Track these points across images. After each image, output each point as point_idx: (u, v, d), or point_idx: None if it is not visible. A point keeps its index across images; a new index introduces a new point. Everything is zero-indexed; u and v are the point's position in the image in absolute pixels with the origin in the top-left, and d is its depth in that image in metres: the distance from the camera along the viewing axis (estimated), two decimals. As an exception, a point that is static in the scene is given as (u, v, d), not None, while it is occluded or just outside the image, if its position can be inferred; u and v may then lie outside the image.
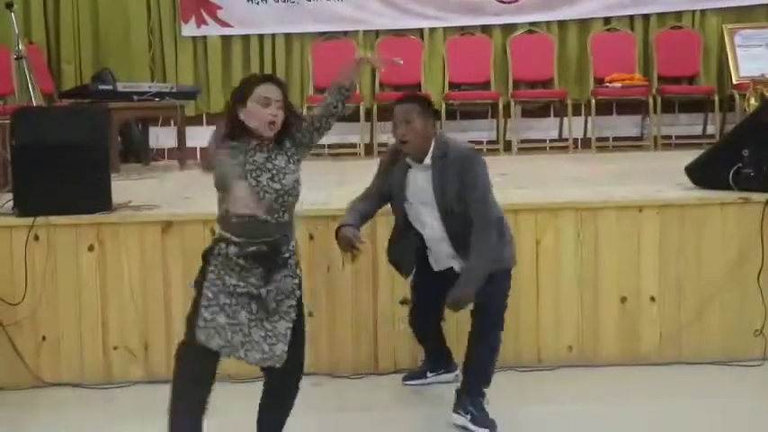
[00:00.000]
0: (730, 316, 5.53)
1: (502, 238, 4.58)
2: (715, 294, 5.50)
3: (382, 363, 5.48)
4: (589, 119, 9.07)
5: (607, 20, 9.41)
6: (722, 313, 5.52)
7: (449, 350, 5.16)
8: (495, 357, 4.65)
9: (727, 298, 5.52)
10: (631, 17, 9.41)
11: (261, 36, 9.31)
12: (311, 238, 5.43)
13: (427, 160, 4.54)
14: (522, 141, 9.02)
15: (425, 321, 5.01)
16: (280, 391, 4.11)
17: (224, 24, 9.29)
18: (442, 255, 4.67)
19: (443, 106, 9.02)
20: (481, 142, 9.23)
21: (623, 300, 5.48)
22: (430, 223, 4.61)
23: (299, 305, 4.00)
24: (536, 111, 9.38)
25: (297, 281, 3.96)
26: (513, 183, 6.61)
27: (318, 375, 5.39)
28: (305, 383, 5.31)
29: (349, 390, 5.26)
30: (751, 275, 5.47)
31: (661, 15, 9.40)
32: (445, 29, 9.41)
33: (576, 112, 9.09)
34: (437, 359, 5.18)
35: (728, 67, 9.14)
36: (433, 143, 4.54)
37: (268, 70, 9.25)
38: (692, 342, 5.52)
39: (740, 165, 5.63)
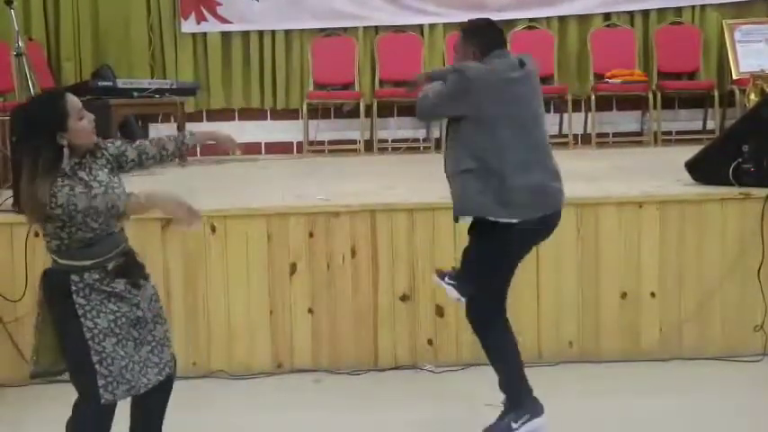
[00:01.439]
0: (730, 312, 5.53)
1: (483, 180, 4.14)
2: (715, 290, 5.51)
3: (382, 359, 5.48)
4: (589, 115, 9.06)
5: (607, 15, 9.40)
6: (722, 309, 5.53)
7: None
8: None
9: (728, 294, 5.53)
10: (631, 13, 9.39)
11: (261, 32, 9.30)
12: (311, 235, 5.44)
13: None
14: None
15: None
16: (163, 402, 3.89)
17: (224, 21, 9.27)
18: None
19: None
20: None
21: (623, 295, 5.48)
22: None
23: None
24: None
25: (151, 282, 3.80)
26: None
27: (318, 372, 5.41)
28: (306, 379, 5.38)
29: (349, 386, 5.27)
30: (751, 271, 5.48)
31: (661, 11, 9.38)
32: (445, 25, 9.38)
33: (576, 108, 9.08)
34: None
35: (728, 62, 9.12)
36: None
37: (268, 67, 9.25)
38: (692, 338, 5.53)
39: (740, 160, 5.63)
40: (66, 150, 3.51)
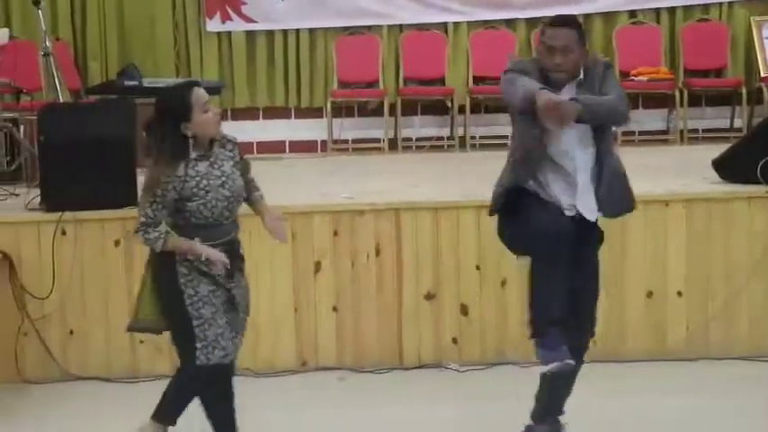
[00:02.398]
0: (758, 311, 5.50)
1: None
2: (742, 289, 5.47)
3: (407, 357, 5.48)
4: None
5: (632, 13, 9.35)
6: (750, 308, 5.50)
7: None
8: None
9: (755, 292, 5.49)
10: (657, 10, 9.34)
11: (285, 31, 9.31)
12: (335, 233, 5.44)
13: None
14: (547, 135, 8.96)
15: None
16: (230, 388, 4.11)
17: (248, 20, 9.29)
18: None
19: (468, 100, 9.00)
20: (506, 136, 9.14)
21: (649, 294, 5.46)
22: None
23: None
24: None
25: (244, 276, 4.03)
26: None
27: (342, 370, 5.41)
28: (330, 377, 5.38)
29: (373, 384, 5.27)
30: (778, 269, 5.45)
31: (687, 8, 9.32)
32: (469, 23, 9.37)
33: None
34: None
35: (756, 59, 9.05)
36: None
37: (292, 65, 9.26)
38: (719, 337, 5.49)
39: (768, 158, 5.60)
40: (190, 140, 3.78)
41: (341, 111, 9.13)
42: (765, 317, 5.49)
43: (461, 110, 9.03)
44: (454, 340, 5.47)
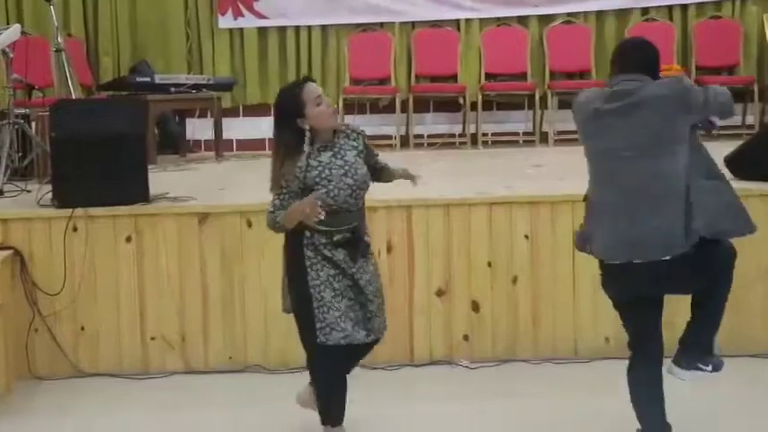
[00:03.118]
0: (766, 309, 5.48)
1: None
2: (755, 286, 5.45)
3: (418, 354, 5.48)
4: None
5: (645, 10, 9.32)
6: (763, 305, 5.47)
7: None
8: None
9: (764, 291, 5.47)
10: (670, 7, 9.31)
11: (297, 28, 9.31)
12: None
13: None
14: (559, 133, 8.94)
15: None
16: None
17: (260, 16, 9.30)
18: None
19: (480, 97, 8.99)
20: (517, 133, 9.19)
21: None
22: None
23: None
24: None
25: (374, 262, 4.23)
26: (550, 174, 6.59)
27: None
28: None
29: (385, 380, 5.26)
30: (791, 268, 5.43)
31: (700, 5, 9.29)
32: (481, 20, 9.36)
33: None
34: None
35: (768, 57, 9.05)
36: None
37: (304, 62, 9.27)
38: (729, 334, 5.46)
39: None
40: (308, 133, 4.00)
41: (353, 107, 9.13)
42: (777, 315, 5.48)
43: (473, 107, 9.02)
44: (465, 337, 5.47)
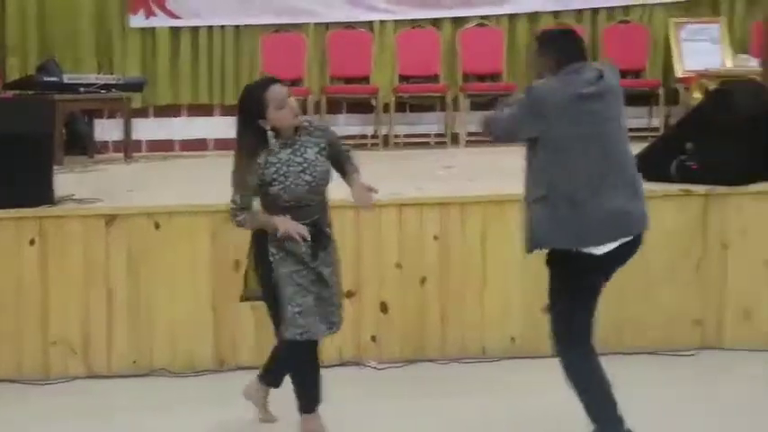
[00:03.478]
0: (671, 306, 5.59)
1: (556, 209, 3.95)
2: (657, 285, 5.56)
3: (327, 355, 5.47)
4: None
5: (556, 14, 9.45)
6: (663, 303, 5.58)
7: None
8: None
9: (669, 288, 5.58)
10: (580, 11, 9.45)
11: (210, 28, 9.24)
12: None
13: None
14: (470, 134, 9.02)
15: None
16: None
17: (173, 16, 9.20)
18: None
19: (393, 99, 9.02)
20: (429, 135, 9.25)
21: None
22: None
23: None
24: (485, 104, 9.38)
25: (335, 254, 4.31)
26: (461, 176, 6.64)
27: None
28: (249, 376, 5.33)
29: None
30: (691, 266, 5.54)
31: (609, 9, 9.46)
32: (396, 21, 9.40)
33: (525, 106, 9.11)
34: None
35: (673, 61, 9.21)
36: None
37: (217, 63, 9.21)
38: (632, 332, 5.57)
39: (683, 157, 5.70)
40: (270, 134, 4.07)
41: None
42: (677, 313, 5.59)
43: (386, 108, 9.06)
44: (373, 338, 5.48)
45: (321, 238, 4.19)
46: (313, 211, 4.17)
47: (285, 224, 4.06)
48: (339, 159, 4.29)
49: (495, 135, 4.23)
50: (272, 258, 4.14)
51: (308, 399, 4.39)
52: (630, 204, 3.99)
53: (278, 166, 4.09)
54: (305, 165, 4.13)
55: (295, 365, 4.36)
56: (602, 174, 3.93)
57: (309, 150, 4.16)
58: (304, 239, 4.05)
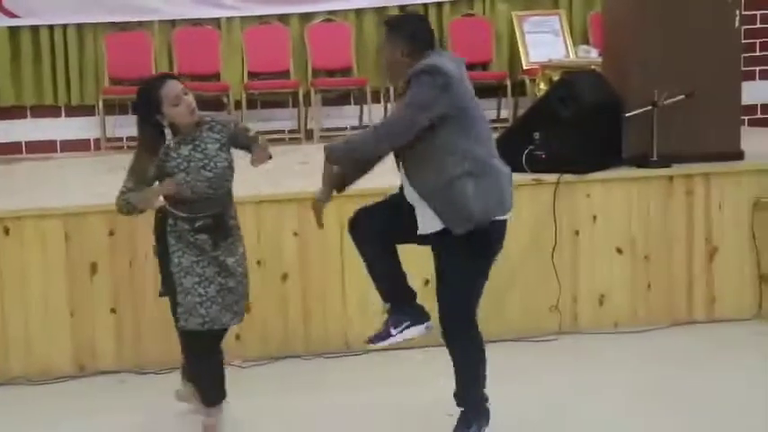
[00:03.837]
0: (528, 293, 5.74)
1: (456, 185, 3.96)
2: (513, 273, 5.69)
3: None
4: (389, 105, 9.19)
5: (402, 8, 9.53)
6: (520, 291, 5.73)
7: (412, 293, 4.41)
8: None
9: (525, 276, 5.73)
10: (425, 5, 9.56)
11: (51, 27, 8.98)
12: (111, 233, 5.32)
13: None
14: (324, 130, 9.05)
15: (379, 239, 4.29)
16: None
17: (10, 15, 8.90)
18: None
19: (244, 96, 8.97)
20: (283, 131, 9.23)
21: (426, 282, 5.56)
22: None
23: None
24: (336, 99, 9.44)
25: (242, 244, 4.37)
26: (316, 171, 6.63)
27: (122, 372, 5.30)
28: (111, 381, 5.26)
29: (155, 385, 5.18)
30: (545, 254, 5.70)
31: (454, 3, 9.60)
32: (242, 18, 9.33)
33: (376, 100, 9.20)
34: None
35: (519, 53, 9.45)
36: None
37: (60, 62, 8.95)
38: (492, 320, 5.67)
39: (532, 147, 5.85)
40: (167, 129, 4.12)
41: (114, 108, 8.90)
42: (534, 300, 5.74)
43: (237, 105, 9.00)
44: (237, 337, 5.44)
45: (222, 228, 4.23)
46: (213, 203, 4.21)
47: (165, 187, 4.13)
48: (245, 144, 4.30)
49: (381, 143, 4.01)
50: (171, 249, 4.20)
51: (210, 392, 4.43)
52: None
53: (179, 161, 4.15)
54: (206, 161, 4.17)
55: (196, 356, 4.38)
56: (492, 137, 4.15)
57: (210, 146, 4.20)
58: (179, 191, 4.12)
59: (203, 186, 4.17)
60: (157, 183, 4.19)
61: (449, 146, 3.94)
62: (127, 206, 4.19)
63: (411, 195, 4.09)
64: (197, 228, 4.20)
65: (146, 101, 4.16)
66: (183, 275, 4.20)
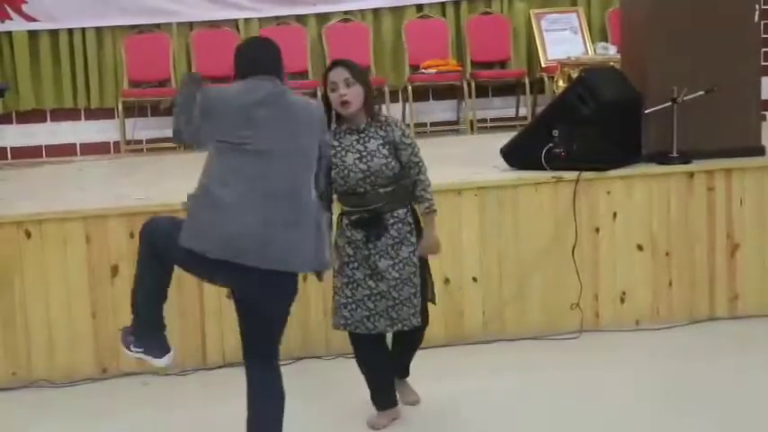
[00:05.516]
0: (549, 291, 5.73)
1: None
2: (534, 271, 5.69)
3: (210, 357, 5.44)
4: (407, 105, 9.19)
5: (419, 7, 9.55)
6: (541, 289, 5.72)
7: None
8: None
9: (545, 274, 5.72)
10: (443, 4, 9.56)
11: (70, 30, 9.02)
12: (132, 236, 5.32)
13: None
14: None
15: None
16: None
17: (30, 19, 8.95)
18: None
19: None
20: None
21: (446, 281, 5.59)
22: None
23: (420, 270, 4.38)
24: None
25: (411, 249, 4.32)
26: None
27: (145, 375, 5.31)
28: (134, 382, 5.28)
29: (178, 386, 5.20)
30: (566, 251, 5.68)
31: (471, 2, 9.60)
32: (260, 19, 9.35)
33: (394, 99, 9.20)
34: None
35: (537, 51, 9.43)
36: None
37: (80, 66, 8.99)
38: (513, 319, 5.69)
39: (551, 145, 5.83)
40: (333, 114, 4.24)
41: (133, 111, 8.94)
42: (555, 297, 5.72)
43: (255, 107, 9.00)
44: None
45: (377, 226, 4.28)
46: (371, 199, 4.26)
47: None
48: (404, 162, 4.33)
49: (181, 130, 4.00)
50: (337, 243, 4.33)
51: (374, 395, 4.50)
52: (276, 230, 3.71)
53: (338, 149, 4.26)
54: (364, 153, 4.25)
55: (355, 356, 4.50)
56: (245, 188, 3.74)
57: (373, 141, 4.26)
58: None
59: (356, 178, 4.23)
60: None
61: (206, 164, 3.84)
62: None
63: None
64: (353, 221, 4.29)
65: (323, 78, 4.30)
66: (334, 275, 4.35)
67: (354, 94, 4.21)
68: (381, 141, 4.27)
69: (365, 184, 4.25)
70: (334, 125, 4.27)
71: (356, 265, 4.30)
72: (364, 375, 4.50)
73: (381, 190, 4.28)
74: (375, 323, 4.32)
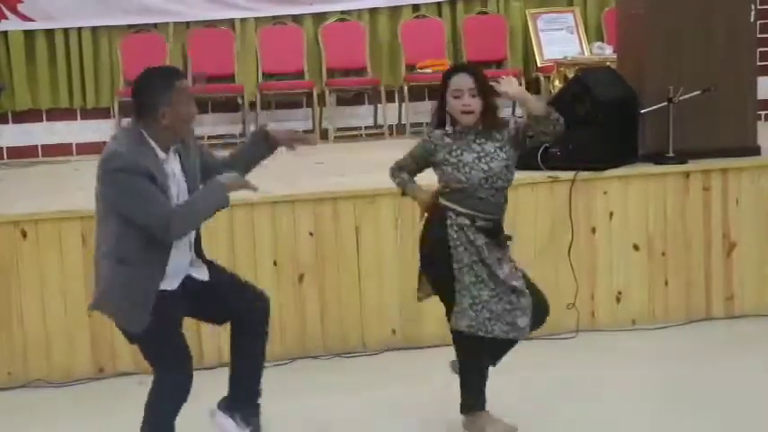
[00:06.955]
0: (545, 292, 5.70)
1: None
2: (530, 271, 5.66)
3: (207, 357, 5.44)
4: (403, 105, 9.20)
5: (416, 7, 9.55)
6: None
7: None
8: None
9: (542, 274, 5.69)
10: (439, 4, 9.55)
11: (66, 30, 9.01)
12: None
13: None
14: (339, 129, 9.06)
15: None
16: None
17: (26, 18, 8.93)
18: None
19: (258, 97, 8.98)
20: (298, 132, 9.22)
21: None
22: None
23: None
24: (351, 98, 9.45)
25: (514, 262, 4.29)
26: (331, 171, 6.65)
27: (141, 374, 5.29)
28: (129, 382, 5.27)
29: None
30: (562, 251, 5.69)
31: (468, 2, 9.59)
32: (257, 19, 9.35)
33: (390, 99, 9.20)
34: None
35: (533, 50, 9.43)
36: None
37: (75, 65, 8.98)
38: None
39: (547, 145, 5.82)
40: (448, 116, 4.22)
41: (129, 110, 8.90)
42: (551, 297, 5.65)
43: (252, 106, 9.01)
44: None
45: (497, 235, 4.21)
46: (492, 207, 4.19)
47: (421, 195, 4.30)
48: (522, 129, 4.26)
49: None
50: (452, 243, 4.14)
51: (468, 399, 4.32)
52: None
53: (453, 147, 4.18)
54: (482, 155, 4.16)
55: (463, 358, 4.31)
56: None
57: (489, 143, 4.18)
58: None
59: (478, 177, 4.12)
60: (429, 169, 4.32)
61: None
62: (395, 182, 4.42)
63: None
64: (477, 226, 4.15)
65: (444, 78, 4.23)
66: (464, 272, 4.13)
67: (477, 105, 4.16)
68: (499, 144, 4.20)
69: (486, 185, 4.15)
70: (449, 127, 4.21)
71: (480, 265, 4.14)
72: (471, 378, 4.31)
73: (501, 198, 4.23)
74: (490, 327, 4.15)
